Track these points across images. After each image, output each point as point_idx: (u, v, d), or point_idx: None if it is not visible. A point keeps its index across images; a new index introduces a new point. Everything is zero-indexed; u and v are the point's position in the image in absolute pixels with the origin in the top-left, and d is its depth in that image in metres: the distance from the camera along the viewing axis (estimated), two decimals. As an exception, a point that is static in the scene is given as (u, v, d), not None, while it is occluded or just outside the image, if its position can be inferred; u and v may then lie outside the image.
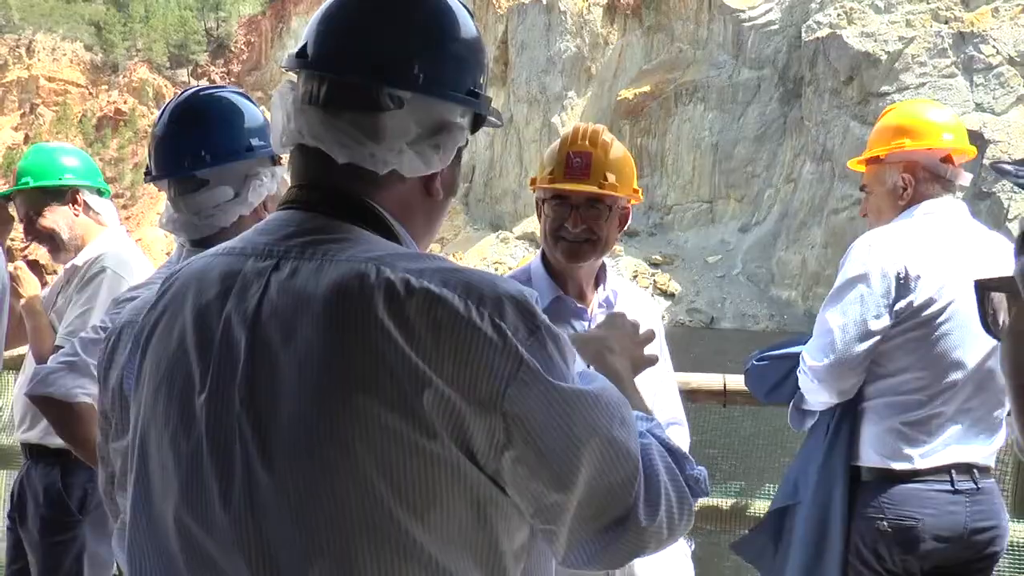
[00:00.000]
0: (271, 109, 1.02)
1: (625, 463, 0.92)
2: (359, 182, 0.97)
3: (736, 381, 2.73)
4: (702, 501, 2.60)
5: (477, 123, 1.05)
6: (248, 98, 1.78)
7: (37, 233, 2.74)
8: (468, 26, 1.03)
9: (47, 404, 1.97)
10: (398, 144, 0.96)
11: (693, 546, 2.18)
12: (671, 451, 1.00)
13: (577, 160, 2.01)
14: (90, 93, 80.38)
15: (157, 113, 1.71)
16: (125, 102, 79.50)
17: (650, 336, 1.31)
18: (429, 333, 0.86)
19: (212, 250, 1.00)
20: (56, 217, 2.72)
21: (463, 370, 0.86)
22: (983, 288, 0.74)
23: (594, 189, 1.99)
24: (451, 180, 1.05)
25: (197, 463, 0.91)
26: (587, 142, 2.03)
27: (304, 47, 0.99)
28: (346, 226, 0.95)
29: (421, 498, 0.86)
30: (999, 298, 0.73)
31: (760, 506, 2.91)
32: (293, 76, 1.03)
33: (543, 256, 2.08)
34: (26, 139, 76.88)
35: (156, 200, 69.63)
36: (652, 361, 1.30)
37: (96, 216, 2.78)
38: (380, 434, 0.85)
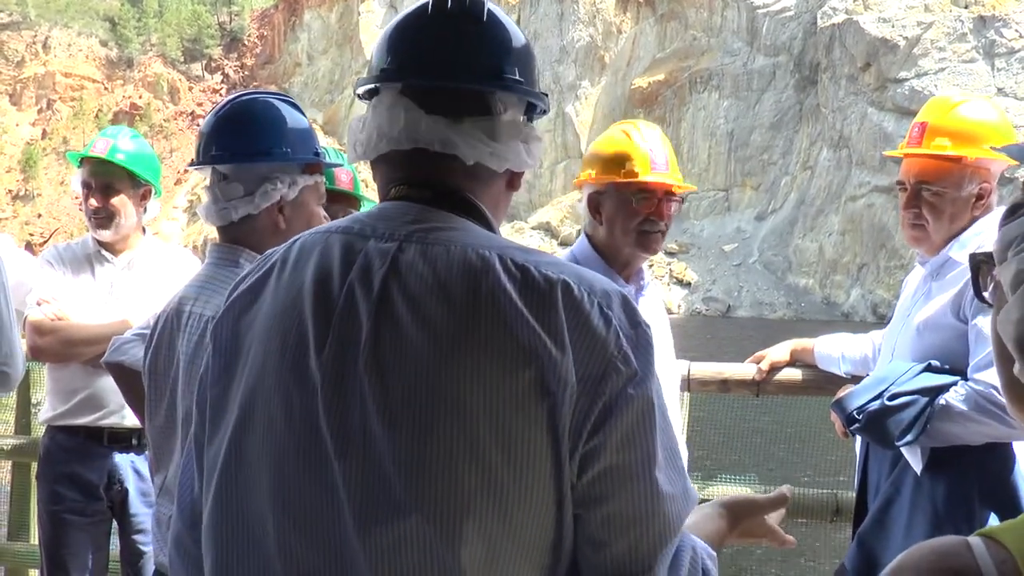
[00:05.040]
0: (366, 117, 1.10)
1: (670, 506, 0.96)
2: (459, 178, 1.07)
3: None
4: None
5: (529, 119, 1.15)
6: (297, 108, 1.89)
7: (104, 208, 2.78)
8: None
9: (120, 370, 2.14)
10: (513, 143, 1.08)
11: None
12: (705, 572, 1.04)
13: (657, 154, 2.14)
14: (106, 88, 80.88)
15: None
16: (140, 96, 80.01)
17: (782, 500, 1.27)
18: (553, 311, 0.95)
19: (323, 227, 1.09)
20: (125, 202, 2.78)
21: (579, 346, 0.95)
22: (975, 261, 0.82)
23: (678, 180, 2.15)
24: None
25: (312, 419, 0.98)
26: (655, 136, 2.18)
27: (392, 60, 1.08)
28: (457, 218, 1.06)
29: (528, 467, 0.92)
30: (990, 269, 0.80)
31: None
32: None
33: (589, 240, 2.19)
34: (43, 134, 77.56)
35: (172, 194, 70.05)
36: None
37: (142, 218, 2.87)
38: (501, 403, 0.93)
